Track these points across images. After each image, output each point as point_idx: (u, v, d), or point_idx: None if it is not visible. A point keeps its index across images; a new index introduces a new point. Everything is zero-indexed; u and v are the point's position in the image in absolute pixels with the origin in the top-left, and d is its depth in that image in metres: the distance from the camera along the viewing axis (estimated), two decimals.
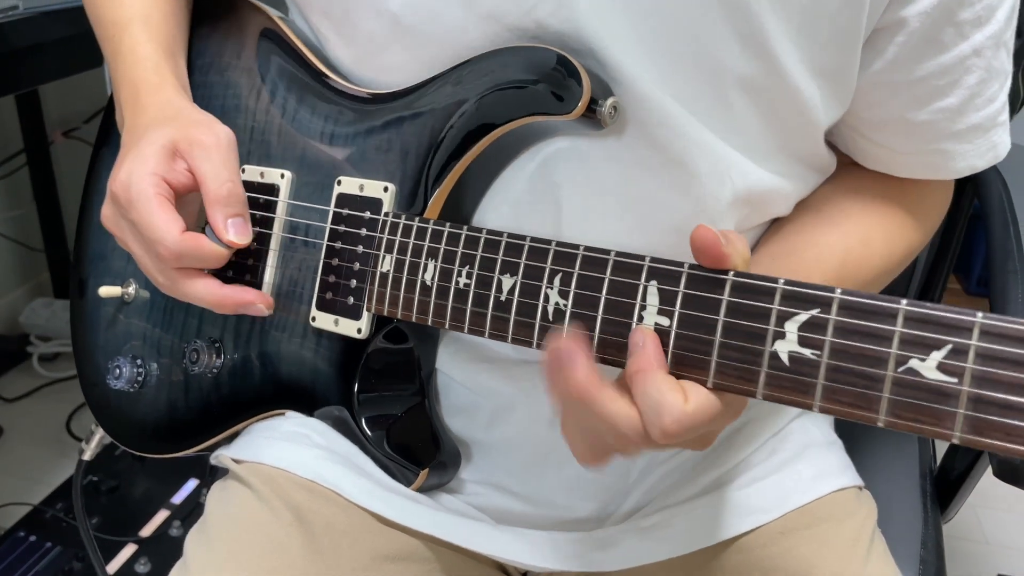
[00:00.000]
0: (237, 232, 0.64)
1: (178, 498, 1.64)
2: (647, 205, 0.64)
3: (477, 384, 0.73)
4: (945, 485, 0.92)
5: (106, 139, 0.87)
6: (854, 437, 0.88)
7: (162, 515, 1.60)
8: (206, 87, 0.77)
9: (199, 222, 0.68)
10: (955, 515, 0.92)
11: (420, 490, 0.71)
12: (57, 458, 1.85)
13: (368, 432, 0.69)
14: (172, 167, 0.64)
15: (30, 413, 2.03)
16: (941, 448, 0.95)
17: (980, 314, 0.44)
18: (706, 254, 0.51)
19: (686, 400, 0.50)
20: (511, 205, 0.66)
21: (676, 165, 0.62)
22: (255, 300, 0.67)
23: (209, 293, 0.66)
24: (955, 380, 0.44)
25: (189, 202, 0.67)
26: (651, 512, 0.75)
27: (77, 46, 0.79)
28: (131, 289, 0.80)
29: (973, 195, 1.05)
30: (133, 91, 0.71)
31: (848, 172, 0.74)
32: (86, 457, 0.88)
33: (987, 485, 0.85)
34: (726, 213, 0.65)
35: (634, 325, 0.54)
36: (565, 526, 0.75)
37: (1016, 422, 0.43)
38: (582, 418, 0.54)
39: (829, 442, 0.80)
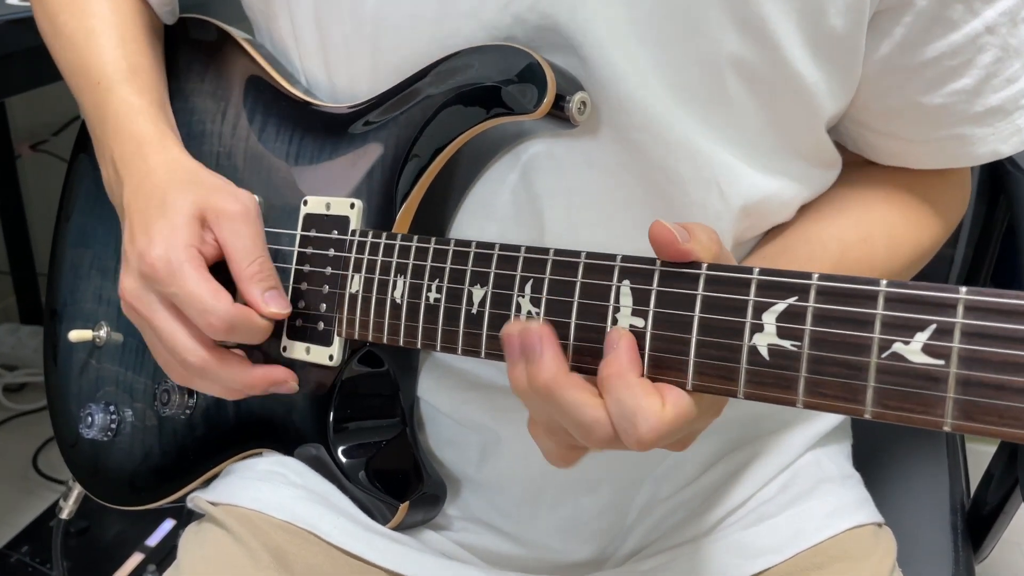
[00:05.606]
0: (277, 304, 0.63)
1: (153, 540, 1.53)
2: (631, 213, 0.61)
3: (463, 416, 0.70)
4: (979, 521, 0.87)
5: (84, 147, 0.84)
6: (878, 470, 0.84)
7: (136, 558, 1.49)
8: (174, 114, 0.75)
9: None
10: (990, 554, 0.86)
11: (406, 526, 0.68)
12: (23, 497, 1.72)
13: (343, 461, 0.66)
14: (203, 238, 0.63)
15: None
16: (974, 481, 0.90)
17: (964, 289, 0.41)
18: (665, 252, 0.49)
19: (664, 405, 0.47)
20: (495, 221, 0.64)
21: (657, 171, 0.60)
22: (287, 378, 0.66)
23: (244, 374, 0.64)
24: (942, 362, 0.41)
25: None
26: (652, 554, 0.70)
27: (47, 56, 0.77)
28: (102, 332, 0.77)
29: (1007, 208, 1.01)
30: (135, 146, 0.68)
31: (854, 167, 0.71)
32: (64, 516, 0.85)
33: None
34: (718, 222, 0.62)
35: (608, 328, 0.51)
36: (560, 570, 0.71)
37: (1009, 403, 0.40)
38: (548, 414, 0.51)
39: (845, 476, 0.75)
